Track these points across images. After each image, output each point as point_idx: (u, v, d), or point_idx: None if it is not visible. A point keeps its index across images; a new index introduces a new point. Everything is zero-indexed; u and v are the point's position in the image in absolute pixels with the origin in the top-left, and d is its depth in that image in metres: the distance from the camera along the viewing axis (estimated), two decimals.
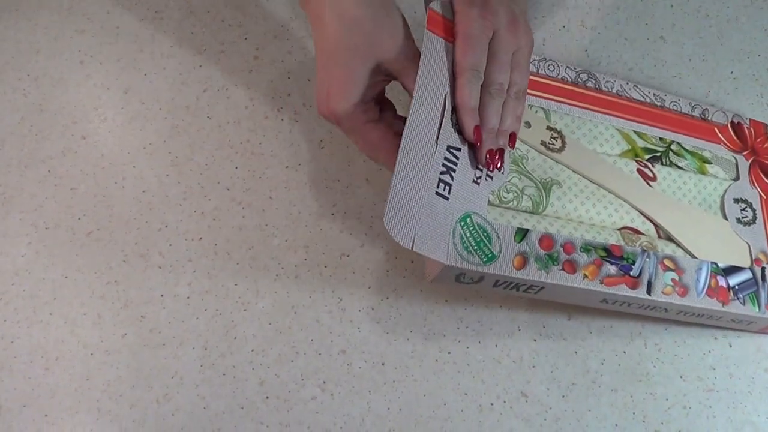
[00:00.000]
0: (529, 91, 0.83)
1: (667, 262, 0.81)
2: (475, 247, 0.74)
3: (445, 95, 0.75)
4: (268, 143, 0.93)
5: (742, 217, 0.87)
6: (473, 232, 0.75)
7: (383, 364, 0.84)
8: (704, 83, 0.97)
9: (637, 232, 0.84)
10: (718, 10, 1.02)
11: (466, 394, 0.83)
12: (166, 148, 0.93)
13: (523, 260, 0.76)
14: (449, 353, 0.85)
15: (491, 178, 0.78)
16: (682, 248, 0.84)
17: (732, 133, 0.91)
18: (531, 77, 0.84)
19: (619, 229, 0.84)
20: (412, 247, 0.71)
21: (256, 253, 0.89)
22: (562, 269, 0.78)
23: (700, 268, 0.82)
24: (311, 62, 0.98)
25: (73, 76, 0.97)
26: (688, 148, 0.89)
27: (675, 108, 0.90)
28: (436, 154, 0.74)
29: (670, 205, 0.86)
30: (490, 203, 0.79)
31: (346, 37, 0.69)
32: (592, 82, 0.88)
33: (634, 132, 0.88)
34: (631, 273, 0.80)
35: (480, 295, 0.87)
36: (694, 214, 0.86)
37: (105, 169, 0.92)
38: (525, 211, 0.81)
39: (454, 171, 0.75)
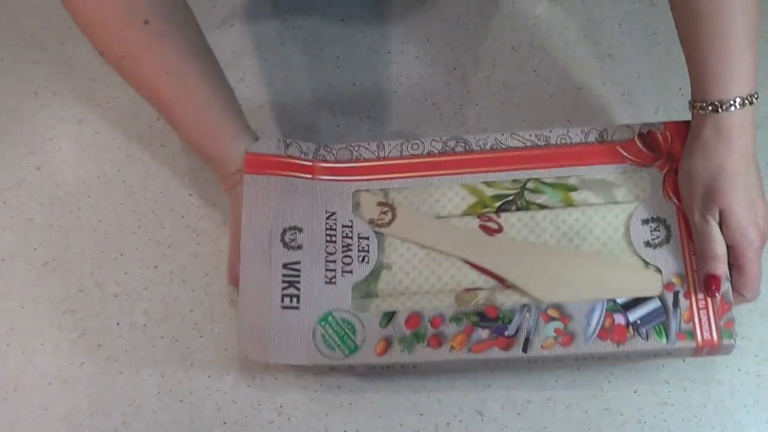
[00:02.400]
0: (376, 175, 0.85)
1: (551, 312, 0.78)
2: (339, 342, 0.79)
3: (270, 224, 0.82)
4: None
5: (653, 239, 0.80)
6: (336, 327, 0.79)
7: (339, 387, 0.85)
8: (653, 100, 0.98)
9: (476, 289, 0.82)
10: (667, 28, 1.02)
11: (422, 414, 0.84)
12: (120, 177, 0.93)
13: (386, 345, 0.78)
14: (404, 374, 0.85)
15: (351, 272, 0.81)
16: (529, 295, 0.80)
17: (641, 145, 0.84)
18: (394, 161, 0.85)
19: (458, 293, 0.82)
20: (267, 361, 0.79)
21: (211, 280, 0.89)
22: (428, 345, 0.78)
23: (593, 310, 0.78)
24: (264, 89, 0.99)
25: (28, 107, 0.97)
26: (548, 181, 0.84)
27: (563, 142, 0.84)
28: (272, 275, 0.80)
29: (516, 253, 0.82)
30: None
31: None
32: (461, 146, 0.85)
33: (483, 183, 0.85)
34: (506, 333, 0.78)
35: None
36: (550, 255, 0.82)
37: (60, 199, 0.93)
38: (359, 298, 0.82)
39: (298, 282, 0.80)
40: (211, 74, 0.82)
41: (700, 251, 0.78)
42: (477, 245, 0.82)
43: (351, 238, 0.82)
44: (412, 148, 0.85)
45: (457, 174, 0.84)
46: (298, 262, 0.81)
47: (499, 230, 0.83)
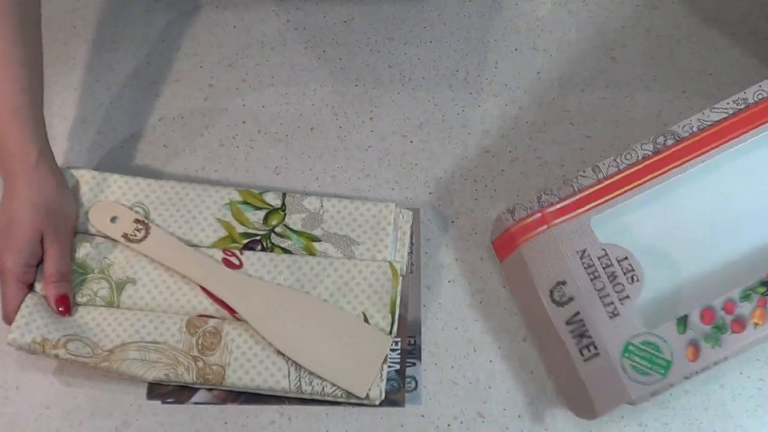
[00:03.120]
0: (604, 197, 0.85)
1: None
2: (649, 366, 0.79)
3: (535, 293, 0.83)
4: (223, 170, 0.94)
5: None
6: (641, 353, 0.79)
7: None
8: (656, 103, 0.98)
9: (209, 317, 0.86)
10: (669, 30, 1.03)
11: (423, 415, 0.84)
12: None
13: (695, 349, 0.78)
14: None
15: (628, 297, 0.81)
16: (253, 329, 0.84)
17: None
18: (614, 177, 0.85)
19: (191, 318, 0.86)
20: (601, 416, 0.79)
21: None
22: (732, 332, 0.78)
23: None
24: (266, 90, 0.99)
25: None
26: (295, 228, 0.90)
27: (761, 97, 0.85)
28: (561, 337, 0.81)
29: (249, 288, 0.86)
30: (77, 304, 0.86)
31: (28, 213, 0.82)
32: (671, 138, 0.85)
33: (234, 218, 0.90)
34: None
35: (436, 317, 0.88)
36: (280, 296, 0.86)
37: None
38: (101, 306, 0.86)
39: (587, 331, 0.80)
40: (32, 66, 0.84)
41: None
42: (216, 276, 0.86)
43: (612, 265, 0.82)
44: (625, 159, 0.85)
45: (677, 167, 0.84)
46: (578, 313, 0.81)
47: (240, 266, 0.88)
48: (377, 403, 0.83)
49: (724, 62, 1.01)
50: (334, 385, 0.83)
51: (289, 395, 0.84)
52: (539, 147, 0.96)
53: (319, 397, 0.83)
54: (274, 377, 0.83)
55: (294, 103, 0.98)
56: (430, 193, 0.94)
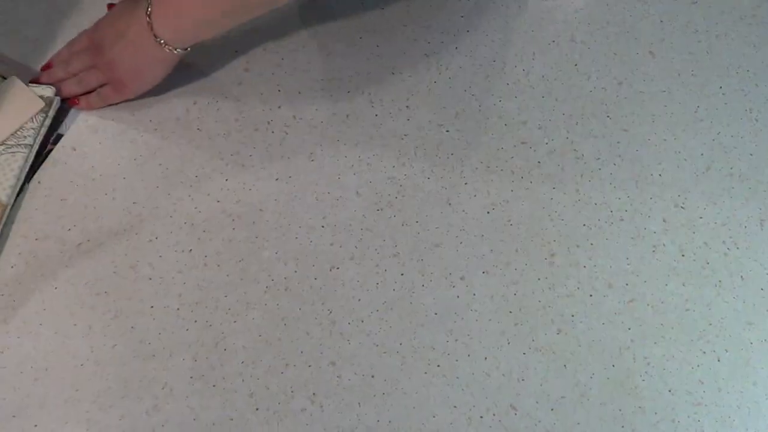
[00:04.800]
0: None
1: None
2: None
3: None
4: (258, 155, 0.94)
5: None
6: None
7: (373, 377, 0.84)
8: (693, 98, 0.98)
9: None
10: (708, 26, 1.02)
11: (455, 407, 0.84)
12: (156, 159, 0.93)
13: None
14: (438, 366, 0.85)
15: None
16: None
17: None
18: None
19: None
20: None
21: (246, 265, 0.89)
22: None
23: None
24: (302, 75, 0.99)
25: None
26: None
27: None
28: None
29: None
30: None
31: None
32: None
33: None
34: None
35: (470, 308, 0.87)
36: None
37: (95, 180, 0.92)
38: None
39: None
40: None
41: None
42: None
43: None
44: None
45: None
46: None
47: None
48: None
49: (762, 59, 1.01)
50: None
51: None
52: (576, 140, 0.96)
53: None
54: None
55: (330, 90, 0.98)
56: (465, 184, 0.93)
